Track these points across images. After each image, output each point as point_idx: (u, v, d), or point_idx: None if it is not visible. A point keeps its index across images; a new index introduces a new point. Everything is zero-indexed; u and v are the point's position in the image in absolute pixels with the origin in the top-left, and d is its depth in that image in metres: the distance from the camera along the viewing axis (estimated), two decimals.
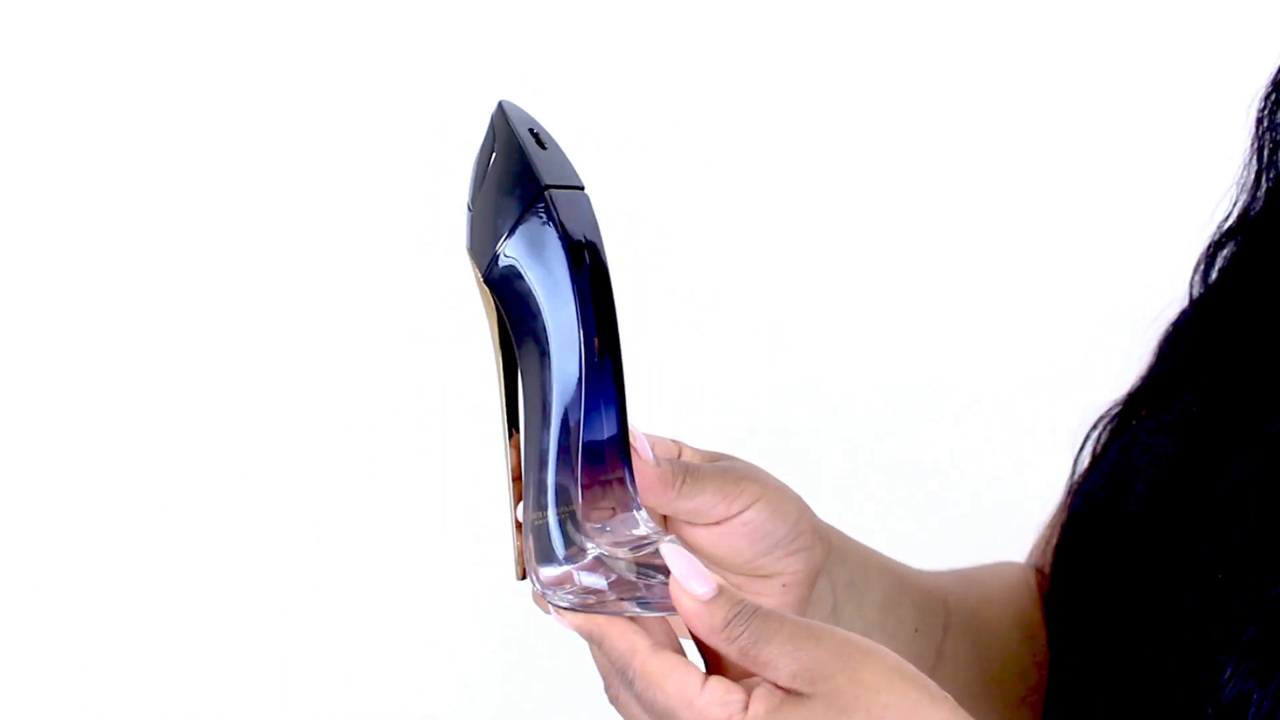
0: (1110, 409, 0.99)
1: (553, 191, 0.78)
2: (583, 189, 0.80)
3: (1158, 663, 0.84)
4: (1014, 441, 1.54)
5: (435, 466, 1.57)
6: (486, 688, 1.57)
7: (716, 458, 0.86)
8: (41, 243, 1.54)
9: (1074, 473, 0.99)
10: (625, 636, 0.76)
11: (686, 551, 0.77)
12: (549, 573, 0.78)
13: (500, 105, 0.81)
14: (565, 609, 0.78)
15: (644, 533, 0.79)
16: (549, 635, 1.55)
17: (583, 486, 0.78)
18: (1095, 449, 0.98)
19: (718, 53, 1.56)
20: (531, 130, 0.80)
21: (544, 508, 0.78)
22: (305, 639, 1.57)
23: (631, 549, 0.78)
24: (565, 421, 0.78)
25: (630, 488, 0.80)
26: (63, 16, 1.52)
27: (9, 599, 1.55)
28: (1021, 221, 1.56)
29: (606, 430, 0.78)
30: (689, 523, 0.83)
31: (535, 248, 0.78)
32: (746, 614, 0.75)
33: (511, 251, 0.79)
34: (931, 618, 0.97)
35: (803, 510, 0.89)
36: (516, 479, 0.82)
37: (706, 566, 0.76)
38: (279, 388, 1.56)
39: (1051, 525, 1.07)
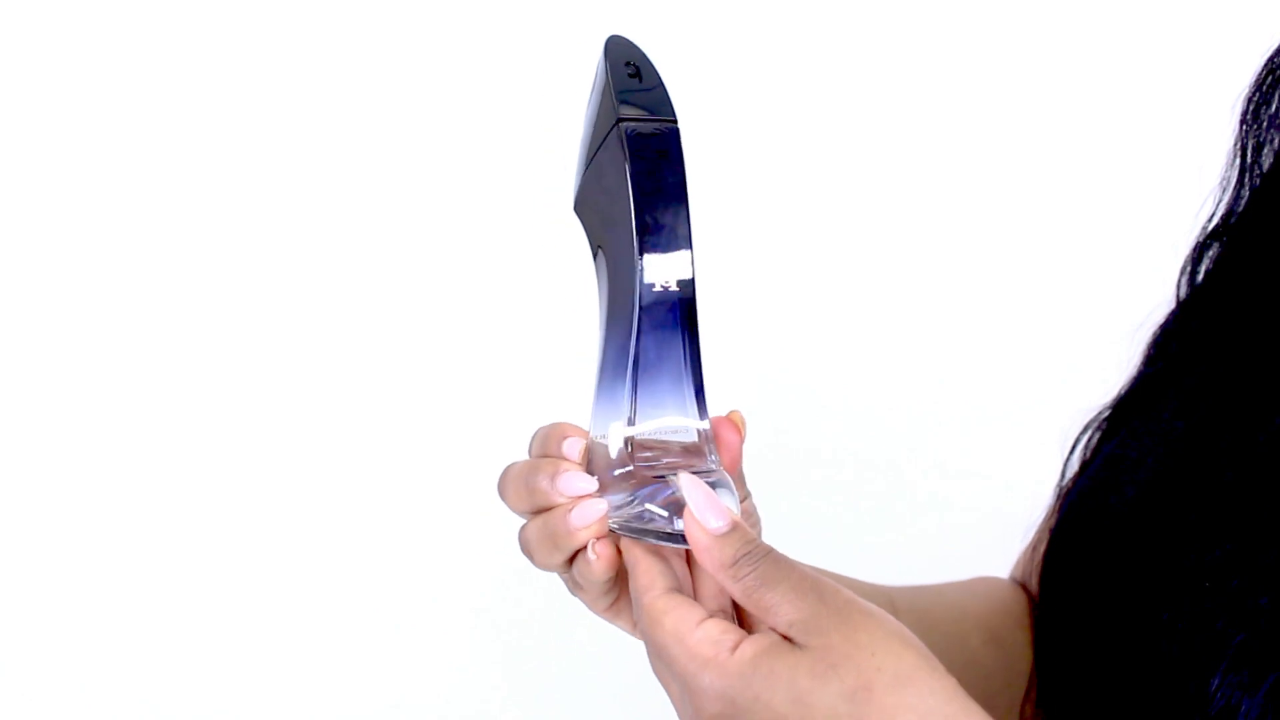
0: (1099, 413, 0.98)
1: (629, 124, 0.79)
2: (673, 122, 0.80)
3: (1145, 673, 0.84)
4: (1008, 444, 1.54)
5: (435, 463, 1.57)
6: (487, 687, 1.57)
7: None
8: (46, 244, 1.55)
9: (1063, 477, 0.99)
10: (649, 572, 0.77)
11: (704, 484, 0.77)
12: (605, 485, 0.80)
13: (607, 40, 0.82)
14: (613, 529, 0.79)
15: (708, 468, 0.80)
16: (549, 635, 1.56)
17: (639, 411, 0.79)
18: (1085, 454, 0.98)
19: (726, 54, 1.56)
20: (629, 62, 0.81)
21: (603, 428, 0.80)
22: (304, 640, 1.57)
23: (671, 476, 0.79)
24: (621, 347, 0.79)
25: (706, 431, 0.80)
26: (63, 16, 1.53)
27: (10, 600, 1.56)
28: (1011, 225, 1.56)
29: (681, 366, 0.80)
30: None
31: (605, 180, 0.80)
32: (757, 555, 0.75)
33: (586, 184, 0.81)
34: None
35: (754, 526, 0.89)
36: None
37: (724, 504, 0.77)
38: (280, 388, 1.57)
39: (1039, 534, 1.07)
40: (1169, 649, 0.83)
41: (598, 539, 0.80)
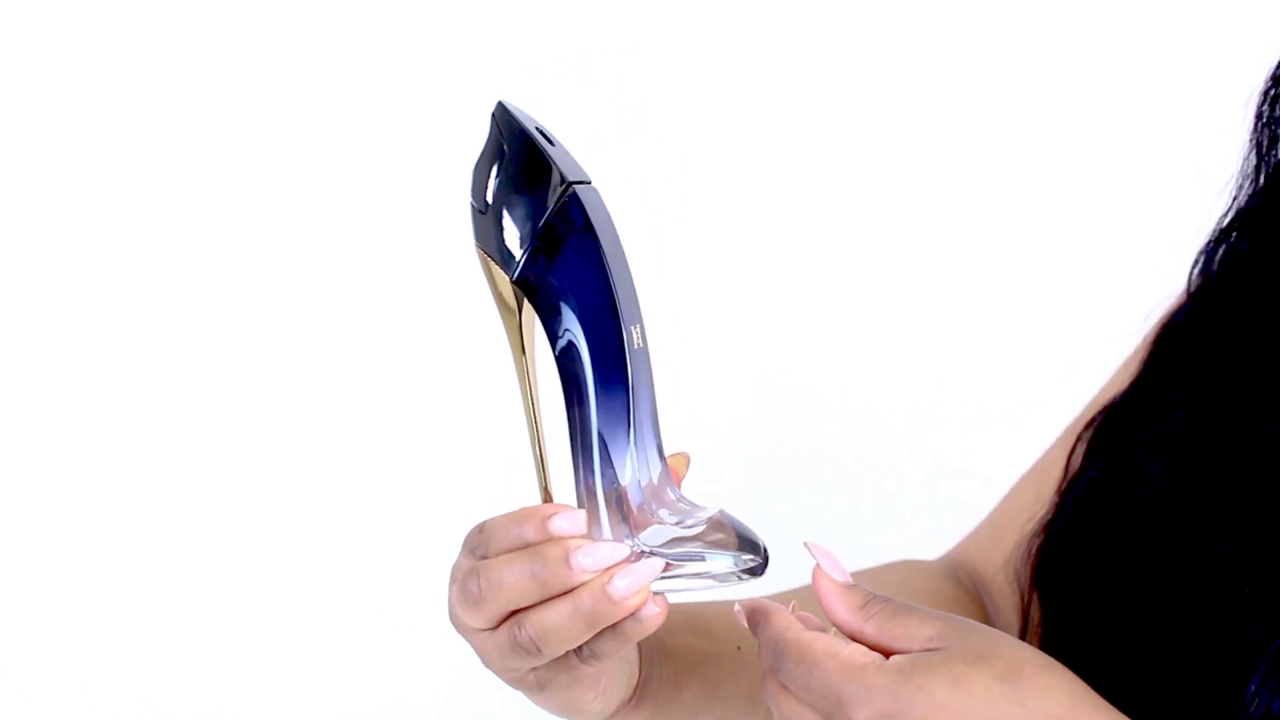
0: (1106, 408, 0.98)
1: (575, 187, 0.79)
2: (590, 183, 0.81)
3: (1148, 668, 0.84)
4: (1008, 444, 1.53)
5: (435, 463, 1.57)
6: (487, 687, 1.57)
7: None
8: (45, 244, 1.54)
9: (1068, 472, 0.99)
10: (783, 614, 0.80)
11: (823, 546, 0.81)
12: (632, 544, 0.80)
13: (501, 104, 0.82)
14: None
15: (686, 508, 0.81)
16: None
17: (632, 471, 0.80)
18: (1088, 449, 0.98)
19: (726, 53, 1.56)
20: (538, 129, 0.81)
21: (594, 494, 0.80)
22: (305, 640, 1.57)
23: (680, 524, 0.80)
24: (611, 411, 0.79)
25: (666, 471, 0.81)
26: (63, 16, 1.52)
27: (10, 600, 1.55)
28: (1011, 225, 1.56)
29: (644, 416, 0.80)
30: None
31: (564, 243, 0.79)
32: (881, 597, 0.79)
33: (540, 249, 0.80)
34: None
35: None
36: (541, 468, 0.83)
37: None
38: (280, 388, 1.56)
39: (1003, 515, 1.07)
40: (1170, 648, 0.83)
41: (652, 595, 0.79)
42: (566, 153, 0.81)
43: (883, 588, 1.03)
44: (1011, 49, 1.54)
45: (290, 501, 1.56)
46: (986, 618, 1.05)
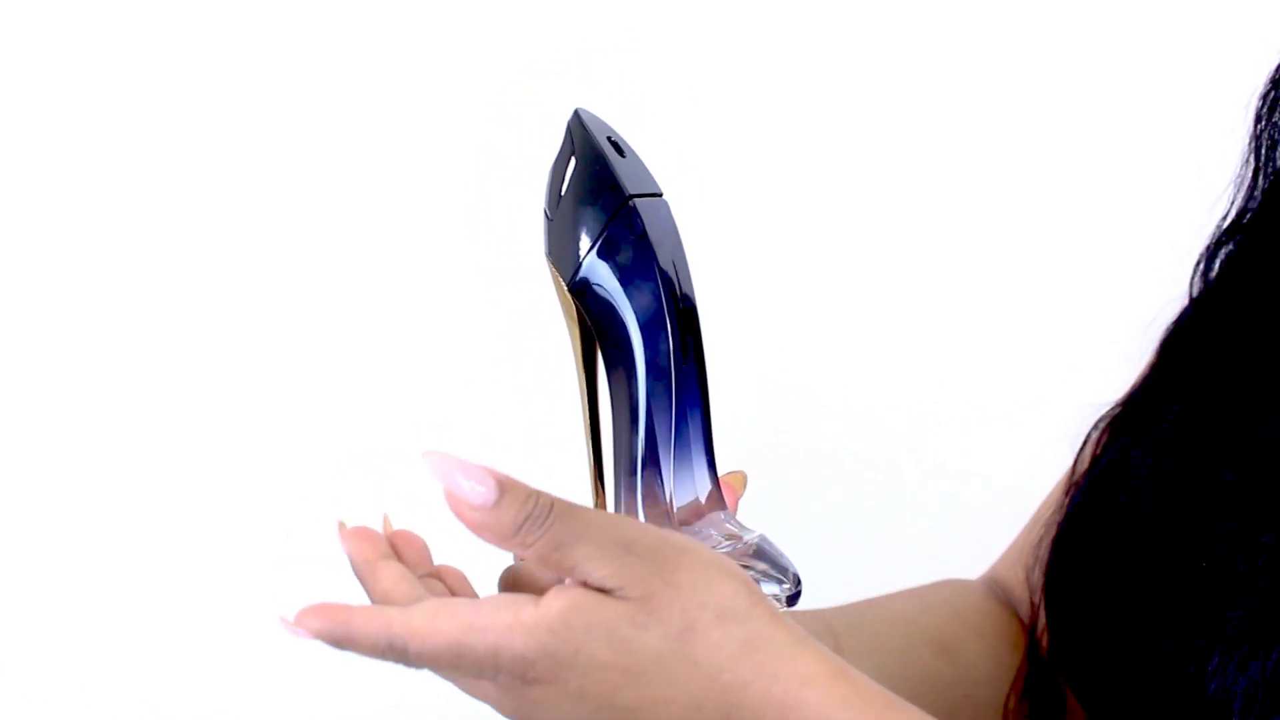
0: (1110, 410, 0.98)
1: (636, 200, 0.79)
2: (661, 195, 0.80)
3: (1156, 670, 0.84)
4: (1008, 444, 1.54)
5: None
6: None
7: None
8: (42, 244, 1.54)
9: (1073, 473, 0.99)
10: (373, 619, 0.71)
11: (449, 457, 0.71)
12: None
13: (577, 113, 0.83)
14: None
15: (733, 530, 0.80)
16: None
17: (673, 489, 0.79)
18: (1095, 450, 0.98)
19: (726, 53, 1.56)
20: (609, 138, 0.82)
21: (635, 510, 0.79)
22: (305, 642, 1.57)
23: (721, 548, 0.79)
24: (653, 425, 0.79)
25: (717, 491, 0.80)
26: (63, 16, 1.52)
27: (10, 600, 1.55)
28: (1011, 225, 1.56)
29: (694, 433, 0.80)
30: None
31: (621, 257, 0.80)
32: (541, 515, 0.69)
33: (597, 261, 0.80)
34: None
35: None
36: (598, 482, 0.82)
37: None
38: (279, 388, 1.56)
39: (1030, 531, 1.07)
40: (1178, 645, 0.83)
41: None
42: (638, 163, 0.82)
43: (931, 608, 1.04)
44: (1011, 49, 1.54)
45: (290, 501, 1.56)
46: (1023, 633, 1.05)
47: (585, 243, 0.80)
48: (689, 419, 0.80)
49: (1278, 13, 0.99)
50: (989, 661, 1.02)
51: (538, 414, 1.53)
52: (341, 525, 0.76)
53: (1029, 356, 1.55)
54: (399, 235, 1.56)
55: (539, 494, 0.70)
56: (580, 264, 0.80)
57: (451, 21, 1.55)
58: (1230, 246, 0.94)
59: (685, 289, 0.81)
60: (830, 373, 1.56)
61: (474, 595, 0.77)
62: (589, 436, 0.83)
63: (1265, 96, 0.92)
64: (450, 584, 0.77)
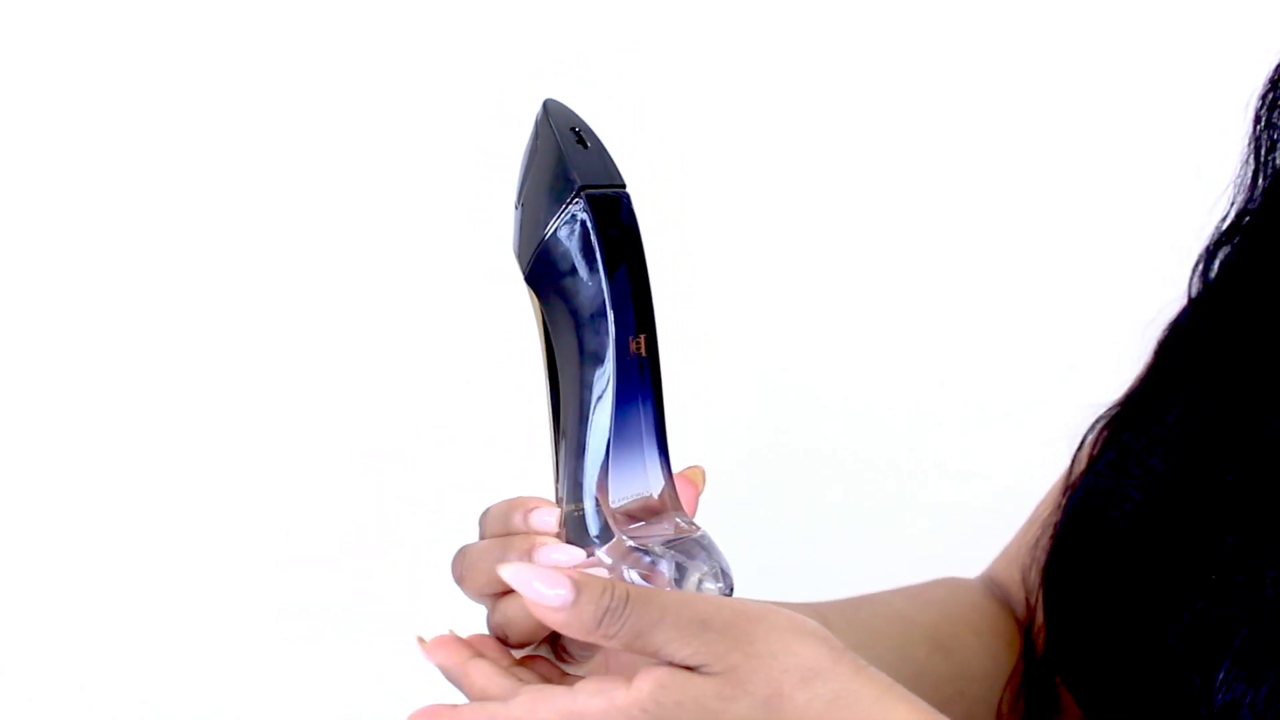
0: (1108, 410, 0.98)
1: (589, 192, 0.79)
2: (623, 188, 0.80)
3: (1154, 670, 0.84)
4: (1008, 444, 1.54)
5: (434, 464, 1.57)
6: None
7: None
8: (40, 244, 1.54)
9: (1070, 474, 0.99)
10: (477, 714, 0.75)
11: (527, 565, 0.74)
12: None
13: (544, 104, 0.82)
14: None
15: (682, 526, 0.80)
16: None
17: (613, 481, 0.79)
18: (1092, 451, 0.98)
19: (725, 52, 1.56)
20: (574, 129, 0.81)
21: (579, 500, 0.79)
22: (304, 640, 1.57)
23: (663, 544, 0.79)
24: (598, 417, 0.79)
25: (671, 488, 0.80)
26: (63, 17, 1.52)
27: (10, 600, 1.55)
28: (1011, 224, 1.56)
29: (644, 428, 0.79)
30: None
31: (570, 249, 0.79)
32: (618, 607, 0.72)
33: (548, 252, 0.80)
34: None
35: None
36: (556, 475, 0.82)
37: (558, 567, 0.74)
38: (282, 388, 1.57)
39: (1027, 530, 1.07)
40: (1173, 645, 0.83)
41: None
42: (601, 156, 0.80)
43: (928, 605, 1.04)
44: (1011, 49, 1.54)
45: (290, 502, 1.56)
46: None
47: (537, 235, 0.80)
48: (637, 414, 0.79)
49: (1277, 13, 0.99)
50: (985, 659, 1.02)
51: (538, 414, 1.53)
52: (421, 640, 0.79)
53: (1029, 356, 1.55)
54: (399, 235, 1.56)
55: (613, 586, 0.73)
56: (533, 256, 0.80)
57: (451, 22, 1.55)
58: (1229, 247, 0.94)
59: (636, 283, 0.79)
60: (830, 373, 1.56)
61: (563, 680, 0.79)
62: (550, 431, 0.83)
63: (1264, 97, 0.92)
64: (539, 670, 0.80)
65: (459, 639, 0.79)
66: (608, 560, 0.78)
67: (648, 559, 0.77)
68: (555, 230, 0.80)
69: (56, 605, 1.55)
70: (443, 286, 1.56)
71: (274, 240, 1.56)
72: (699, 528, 0.80)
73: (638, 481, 0.80)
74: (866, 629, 0.99)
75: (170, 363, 1.55)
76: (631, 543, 0.78)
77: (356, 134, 1.55)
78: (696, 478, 0.82)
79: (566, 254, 0.79)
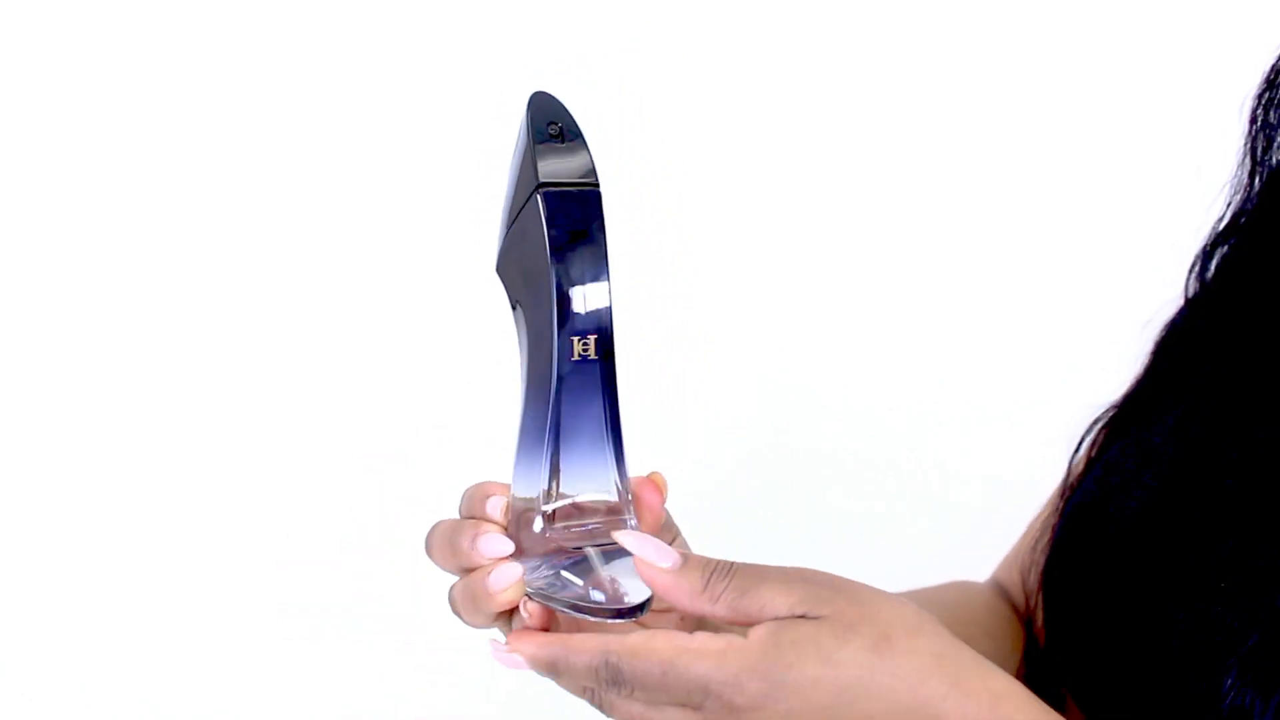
0: (1106, 411, 0.98)
1: (547, 189, 0.78)
2: (592, 185, 0.79)
3: (1155, 673, 0.84)
4: (1008, 444, 1.54)
5: (433, 465, 1.57)
6: (488, 688, 1.57)
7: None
8: (40, 244, 1.55)
9: (1069, 476, 0.99)
10: (589, 639, 0.75)
11: (638, 533, 0.77)
12: (527, 548, 0.79)
13: (530, 98, 0.81)
14: (530, 595, 0.78)
15: (602, 532, 0.79)
16: None
17: (558, 477, 0.79)
18: (1091, 452, 0.98)
19: (725, 52, 1.56)
20: (553, 123, 0.80)
21: (520, 492, 0.79)
22: (303, 640, 1.57)
23: (586, 548, 0.79)
24: (540, 412, 0.79)
25: (624, 496, 0.80)
26: (63, 17, 1.52)
27: (10, 600, 1.55)
28: (1011, 225, 1.56)
29: (590, 429, 0.79)
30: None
31: (526, 244, 0.79)
32: (724, 570, 0.75)
33: (511, 245, 0.80)
34: None
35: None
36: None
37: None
38: (285, 388, 1.57)
39: (1029, 533, 1.07)
40: (1178, 648, 0.83)
41: (526, 600, 0.78)
42: (577, 152, 0.79)
43: (943, 608, 1.04)
44: (1011, 50, 1.54)
45: (290, 502, 1.56)
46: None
47: (504, 228, 0.80)
48: (581, 415, 0.78)
49: (1274, 14, 0.99)
50: (997, 662, 1.03)
51: None
52: (495, 643, 0.79)
53: (1029, 356, 1.55)
54: (399, 235, 1.56)
55: (718, 560, 0.75)
56: (500, 248, 0.81)
57: (452, 22, 1.55)
58: (1226, 248, 0.94)
59: (589, 283, 0.78)
60: (830, 373, 1.56)
61: None
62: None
63: (1260, 97, 0.91)
64: None
65: (535, 631, 0.79)
66: (531, 556, 0.78)
67: (562, 562, 0.78)
68: (517, 224, 0.79)
69: (56, 605, 1.55)
70: (443, 287, 1.56)
71: (274, 241, 1.56)
72: (622, 547, 0.78)
73: (588, 482, 0.79)
74: None
75: (170, 364, 1.55)
76: (551, 542, 0.78)
77: (356, 134, 1.55)
78: (659, 483, 0.82)
79: (525, 248, 0.79)
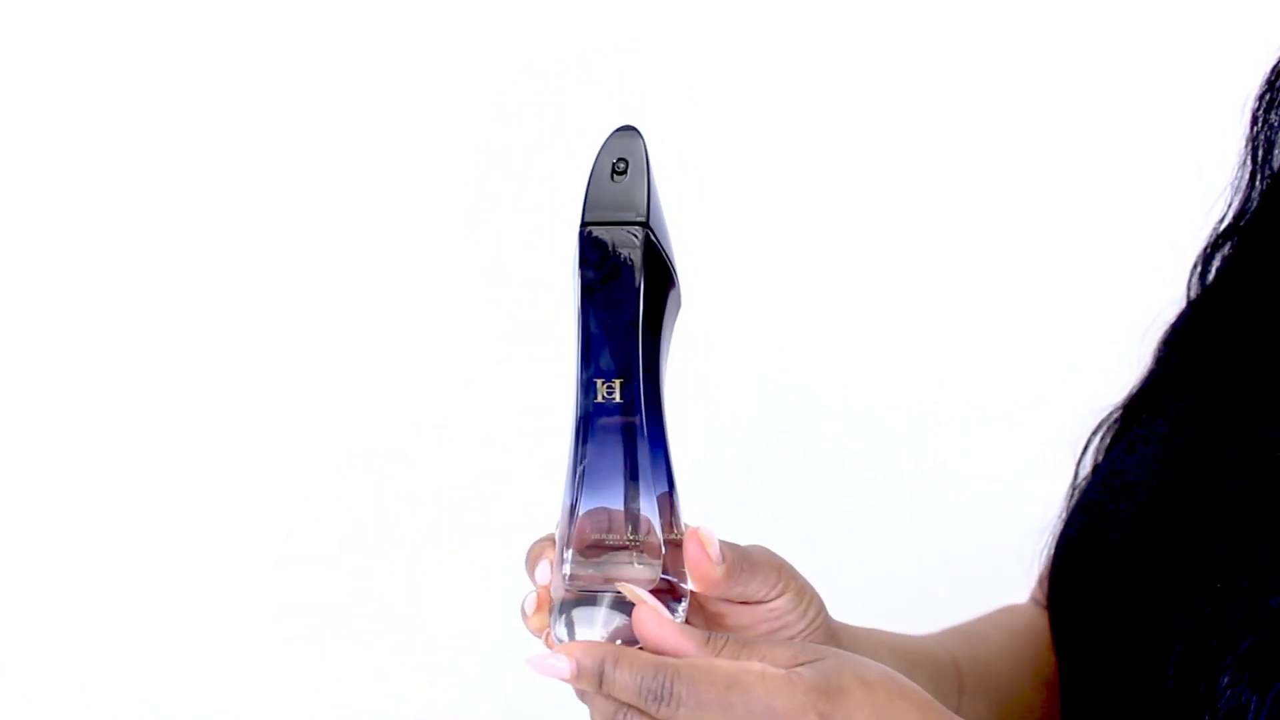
0: (1111, 414, 0.98)
1: (590, 229, 0.78)
2: (641, 224, 0.79)
3: (1154, 672, 0.84)
4: (1016, 445, 1.54)
5: (433, 465, 1.57)
6: (491, 687, 1.57)
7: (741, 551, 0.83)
8: (40, 244, 1.54)
9: (1075, 478, 0.99)
10: (644, 653, 0.75)
11: (643, 592, 0.77)
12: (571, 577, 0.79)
13: (615, 130, 0.81)
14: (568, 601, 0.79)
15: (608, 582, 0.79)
16: None
17: (576, 517, 0.79)
18: (1097, 455, 0.98)
19: (725, 52, 1.56)
20: (620, 159, 0.79)
21: (560, 531, 0.80)
22: (303, 640, 1.57)
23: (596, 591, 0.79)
24: (573, 452, 0.79)
25: (655, 531, 0.79)
26: (63, 17, 1.52)
27: (10, 600, 1.55)
28: (1011, 225, 1.56)
29: (617, 471, 0.79)
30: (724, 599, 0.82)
31: (576, 282, 0.79)
32: (715, 633, 0.77)
33: (577, 275, 0.80)
34: (946, 685, 0.98)
35: (820, 607, 0.87)
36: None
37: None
38: (288, 387, 1.57)
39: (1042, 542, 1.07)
40: (1177, 649, 0.83)
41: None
42: (630, 188, 0.79)
43: (1017, 637, 1.05)
44: (1011, 50, 1.54)
45: (290, 502, 1.56)
46: None
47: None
48: (605, 457, 0.78)
49: (1266, 17, 0.99)
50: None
51: (537, 414, 1.53)
52: (538, 656, 0.79)
53: (1029, 356, 1.54)
54: (399, 235, 1.56)
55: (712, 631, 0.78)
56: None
57: (452, 21, 1.55)
58: (1227, 249, 0.94)
59: (614, 325, 0.78)
60: (830, 373, 1.56)
61: None
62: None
63: (1261, 98, 0.92)
64: None
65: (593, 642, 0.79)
66: (557, 599, 0.79)
67: (577, 607, 0.78)
68: (579, 257, 0.79)
69: (56, 605, 1.55)
70: (443, 287, 1.56)
71: (274, 241, 1.56)
72: (628, 590, 0.78)
73: (605, 521, 0.79)
74: (986, 670, 1.01)
75: (170, 364, 1.55)
76: (576, 585, 0.78)
77: (356, 134, 1.55)
78: (705, 540, 0.80)
79: (581, 284, 0.79)
